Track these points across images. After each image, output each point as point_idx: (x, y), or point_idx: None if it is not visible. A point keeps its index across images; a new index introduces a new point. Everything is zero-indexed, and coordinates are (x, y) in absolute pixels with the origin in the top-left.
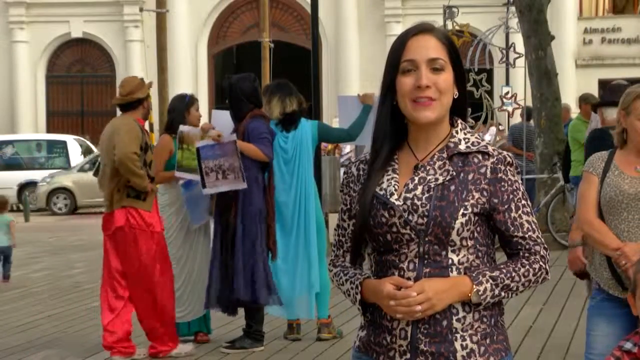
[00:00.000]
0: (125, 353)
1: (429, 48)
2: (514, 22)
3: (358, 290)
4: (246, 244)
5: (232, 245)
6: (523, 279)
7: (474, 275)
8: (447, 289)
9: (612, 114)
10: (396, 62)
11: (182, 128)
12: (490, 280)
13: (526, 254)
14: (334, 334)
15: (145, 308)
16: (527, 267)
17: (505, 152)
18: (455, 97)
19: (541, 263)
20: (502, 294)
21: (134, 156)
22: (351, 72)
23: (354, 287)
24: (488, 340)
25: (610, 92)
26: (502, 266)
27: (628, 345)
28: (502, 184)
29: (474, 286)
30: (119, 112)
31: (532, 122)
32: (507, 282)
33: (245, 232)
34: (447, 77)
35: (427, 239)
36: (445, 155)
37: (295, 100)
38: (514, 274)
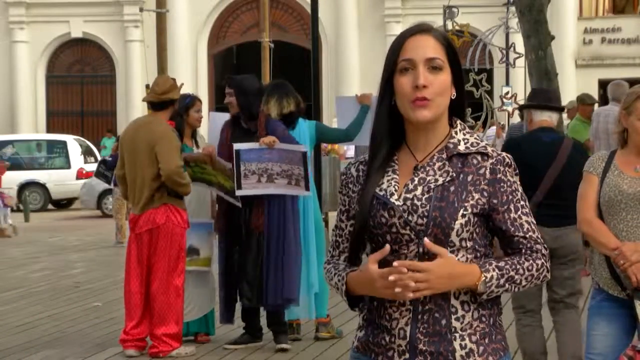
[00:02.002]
0: (140, 347)
1: (427, 47)
2: (514, 22)
3: (344, 281)
4: (300, 246)
5: (267, 249)
6: (527, 273)
7: (481, 263)
8: (456, 273)
9: (540, 116)
10: (394, 62)
11: (184, 155)
12: (497, 270)
13: (528, 252)
14: (333, 334)
15: (163, 304)
16: (531, 261)
17: (504, 153)
18: (453, 97)
19: (543, 260)
20: (507, 285)
21: (180, 170)
22: (351, 72)
23: (341, 278)
24: (487, 340)
25: (536, 95)
26: (507, 259)
27: None
28: (502, 184)
29: (483, 274)
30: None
31: None
32: (512, 273)
33: (295, 234)
34: (444, 78)
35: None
36: (444, 156)
37: (292, 101)
38: (518, 266)
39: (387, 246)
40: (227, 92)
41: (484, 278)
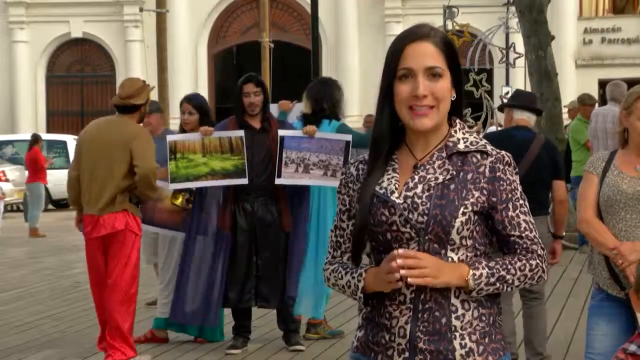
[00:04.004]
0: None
1: (426, 56)
2: (514, 22)
3: (361, 277)
4: (308, 245)
5: (284, 245)
6: (519, 273)
7: (470, 262)
8: (446, 266)
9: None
10: (393, 69)
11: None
12: (487, 269)
13: (523, 252)
14: (323, 335)
15: (121, 314)
16: (524, 261)
17: (503, 152)
18: (453, 99)
19: (538, 261)
20: (498, 284)
21: (157, 172)
22: (351, 72)
23: (357, 275)
24: (487, 340)
25: (518, 97)
26: (498, 259)
27: (632, 348)
28: (501, 182)
29: (471, 270)
30: None
31: None
32: (502, 272)
33: (304, 231)
34: (444, 84)
35: (427, 237)
36: (444, 154)
37: (309, 103)
38: (510, 266)
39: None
40: (254, 91)
41: (472, 274)
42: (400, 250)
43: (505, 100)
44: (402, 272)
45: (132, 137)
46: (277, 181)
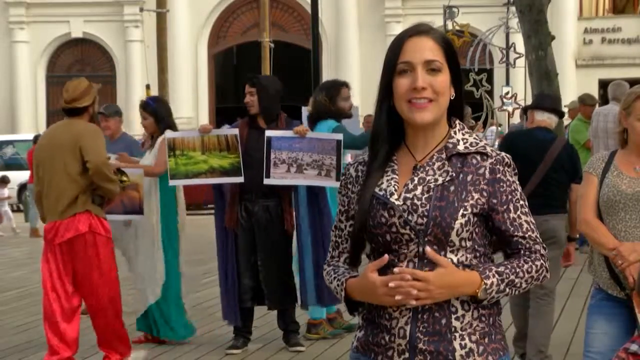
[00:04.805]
0: None
1: (425, 50)
2: (514, 22)
3: (342, 287)
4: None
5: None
6: (526, 275)
7: (480, 270)
8: (454, 287)
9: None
10: (393, 64)
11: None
12: (497, 275)
13: (527, 253)
14: (323, 335)
15: (105, 316)
16: (530, 263)
17: (503, 153)
18: (452, 98)
19: (542, 261)
20: (507, 289)
21: (108, 162)
22: (351, 72)
23: (340, 284)
24: (487, 340)
25: (541, 98)
26: (506, 262)
27: (634, 347)
28: (501, 184)
29: (483, 281)
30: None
31: None
32: (512, 277)
33: (317, 233)
34: (443, 79)
35: (426, 239)
36: (444, 156)
37: (311, 104)
38: (518, 269)
39: (386, 256)
40: (248, 91)
41: (484, 286)
42: (409, 270)
43: (505, 100)
44: (397, 297)
45: (80, 134)
46: (266, 182)
